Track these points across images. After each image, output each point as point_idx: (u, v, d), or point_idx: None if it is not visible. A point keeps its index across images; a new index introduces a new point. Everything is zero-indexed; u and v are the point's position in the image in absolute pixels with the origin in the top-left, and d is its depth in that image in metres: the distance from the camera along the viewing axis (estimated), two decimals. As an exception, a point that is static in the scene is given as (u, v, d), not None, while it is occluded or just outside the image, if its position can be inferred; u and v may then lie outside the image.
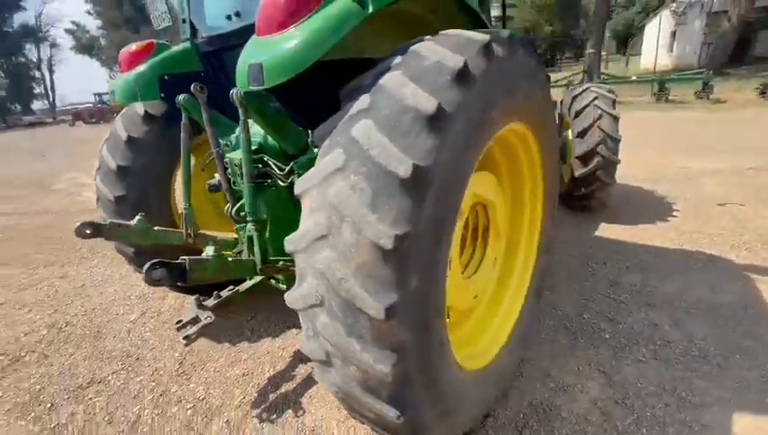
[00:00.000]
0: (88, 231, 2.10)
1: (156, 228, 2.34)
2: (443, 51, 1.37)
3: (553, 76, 20.27)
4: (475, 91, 1.36)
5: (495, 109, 1.51)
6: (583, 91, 4.35)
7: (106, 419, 2.29)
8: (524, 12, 34.36)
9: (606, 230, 4.20)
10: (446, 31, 1.53)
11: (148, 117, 2.71)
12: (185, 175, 2.39)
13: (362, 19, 1.44)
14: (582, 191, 4.24)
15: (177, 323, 2.18)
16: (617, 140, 4.01)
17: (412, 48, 1.42)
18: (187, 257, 1.80)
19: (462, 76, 1.32)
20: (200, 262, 1.87)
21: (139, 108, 2.69)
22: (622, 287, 3.17)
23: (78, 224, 2.05)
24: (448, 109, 1.26)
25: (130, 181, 2.71)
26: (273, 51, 1.42)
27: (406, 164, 1.17)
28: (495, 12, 4.60)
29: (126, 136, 2.69)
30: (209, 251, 2.02)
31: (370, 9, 1.46)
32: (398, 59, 1.41)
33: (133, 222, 2.27)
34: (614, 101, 4.17)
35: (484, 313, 2.36)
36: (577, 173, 4.18)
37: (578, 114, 4.21)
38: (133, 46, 2.69)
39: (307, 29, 1.40)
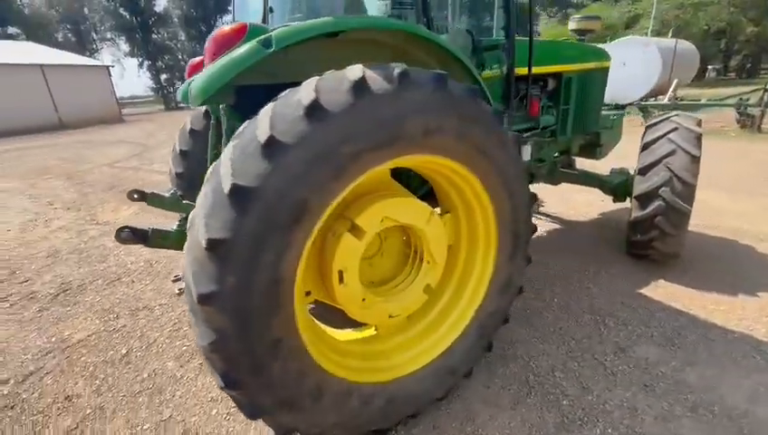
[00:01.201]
0: (135, 196, 2.86)
1: (185, 201, 3.02)
2: (311, 86, 1.55)
3: (722, 91, 16.27)
4: (328, 125, 1.51)
5: (366, 141, 1.59)
6: (662, 120, 3.63)
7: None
8: (720, 9, 27.93)
9: (660, 286, 3.49)
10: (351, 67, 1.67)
11: (207, 113, 3.43)
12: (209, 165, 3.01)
13: (265, 55, 1.71)
14: (638, 238, 3.59)
15: (174, 277, 2.81)
16: (689, 185, 3.27)
17: (301, 84, 1.62)
18: (151, 227, 2.36)
19: (311, 111, 1.48)
20: (162, 232, 2.42)
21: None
22: (627, 358, 2.69)
23: (130, 190, 2.81)
24: (283, 139, 1.44)
25: (188, 163, 3.49)
26: (200, 77, 1.80)
27: (229, 182, 1.41)
28: (574, 25, 4.20)
29: (189, 127, 3.47)
30: (175, 224, 2.57)
31: (273, 48, 1.71)
32: (286, 92, 1.64)
33: (167, 194, 2.97)
34: (699, 138, 3.39)
35: (412, 335, 2.38)
36: (632, 215, 3.56)
37: (645, 147, 3.56)
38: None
39: (219, 62, 1.74)
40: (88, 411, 2.49)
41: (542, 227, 4.97)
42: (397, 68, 1.66)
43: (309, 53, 1.97)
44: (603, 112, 4.68)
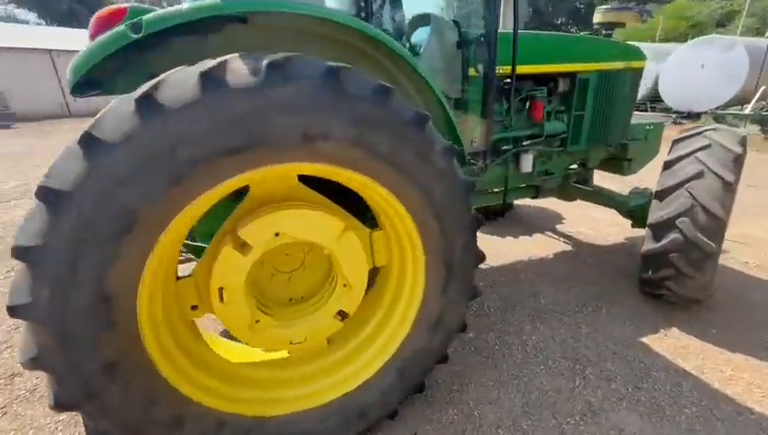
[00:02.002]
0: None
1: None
2: (158, 78, 1.34)
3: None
4: (161, 124, 1.28)
5: (212, 145, 1.34)
6: (693, 134, 2.96)
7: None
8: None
9: (670, 336, 2.86)
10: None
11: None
12: None
13: (132, 40, 1.52)
14: (649, 274, 2.98)
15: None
16: (716, 218, 2.62)
17: None
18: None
19: (143, 107, 1.26)
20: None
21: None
22: (595, 425, 2.19)
23: None
24: (107, 138, 1.24)
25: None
26: (76, 58, 1.65)
27: (42, 185, 1.24)
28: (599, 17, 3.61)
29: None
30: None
31: (142, 33, 1.51)
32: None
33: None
34: (737, 160, 2.71)
35: (327, 364, 2.11)
36: (643, 247, 2.96)
37: (667, 166, 2.92)
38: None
39: (89, 46, 1.58)
40: None
41: (552, 247, 4.39)
42: (267, 58, 1.39)
43: (229, 39, 1.75)
44: (635, 121, 4.00)
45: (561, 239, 4.60)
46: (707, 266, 2.73)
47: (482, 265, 4.03)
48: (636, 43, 14.98)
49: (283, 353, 2.11)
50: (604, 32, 3.60)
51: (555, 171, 3.76)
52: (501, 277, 3.78)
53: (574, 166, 4.05)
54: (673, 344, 2.79)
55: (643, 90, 14.73)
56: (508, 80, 3.30)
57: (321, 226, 1.78)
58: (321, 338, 2.02)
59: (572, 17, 24.61)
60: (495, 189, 3.67)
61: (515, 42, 2.58)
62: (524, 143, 3.40)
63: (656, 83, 14.43)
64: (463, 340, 2.90)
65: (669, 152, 3.04)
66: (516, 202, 5.40)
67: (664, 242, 2.79)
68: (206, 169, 1.37)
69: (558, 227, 4.96)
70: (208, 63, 1.36)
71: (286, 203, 1.78)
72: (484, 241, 4.58)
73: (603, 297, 3.38)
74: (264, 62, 1.37)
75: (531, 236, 4.71)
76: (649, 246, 2.90)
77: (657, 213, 2.85)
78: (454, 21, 2.89)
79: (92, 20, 1.74)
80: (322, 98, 1.45)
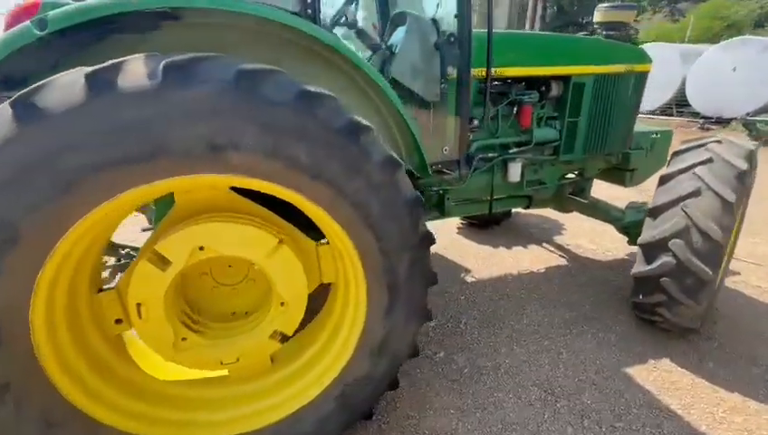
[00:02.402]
0: None
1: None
2: (47, 80, 1.23)
3: None
4: (42, 129, 1.17)
5: (102, 153, 1.22)
6: (695, 145, 2.68)
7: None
8: None
9: (660, 368, 2.60)
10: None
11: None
12: None
13: (37, 37, 1.41)
14: (640, 299, 2.72)
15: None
16: (713, 242, 2.35)
17: None
18: None
19: (21, 110, 1.16)
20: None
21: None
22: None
23: None
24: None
25: None
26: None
27: None
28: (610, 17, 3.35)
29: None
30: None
31: (47, 30, 1.40)
32: None
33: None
34: (740, 177, 2.42)
35: (266, 386, 1.97)
36: (634, 268, 2.70)
37: (663, 181, 2.66)
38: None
39: None
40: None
41: (546, 261, 4.14)
42: (167, 59, 1.26)
43: (173, 38, 1.63)
44: (640, 129, 3.71)
45: (558, 252, 4.34)
46: (703, 294, 2.46)
47: (467, 277, 3.86)
48: (664, 44, 14.29)
49: (222, 371, 1.99)
50: (604, 32, 3.33)
51: (548, 181, 3.52)
52: (485, 291, 3.57)
53: (572, 175, 3.80)
54: (661, 378, 2.54)
55: (669, 93, 14.03)
56: (496, 83, 3.10)
57: (249, 240, 1.65)
58: (255, 360, 1.88)
59: (599, 16, 23.74)
60: (482, 199, 3.47)
61: (489, 42, 2.38)
62: (511, 151, 3.18)
63: (683, 86, 13.71)
64: (432, 360, 2.72)
65: (668, 165, 2.77)
66: (514, 210, 5.15)
67: (655, 265, 2.53)
68: (99, 179, 1.25)
69: (556, 238, 4.68)
70: (101, 64, 1.24)
71: (210, 215, 1.66)
72: (476, 251, 4.37)
73: (591, 320, 3.13)
74: (162, 64, 1.24)
75: (525, 247, 4.46)
76: (640, 267, 2.64)
77: (648, 232, 2.60)
78: (432, 19, 2.70)
79: (7, 14, 1.65)
80: (231, 104, 1.31)
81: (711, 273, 2.38)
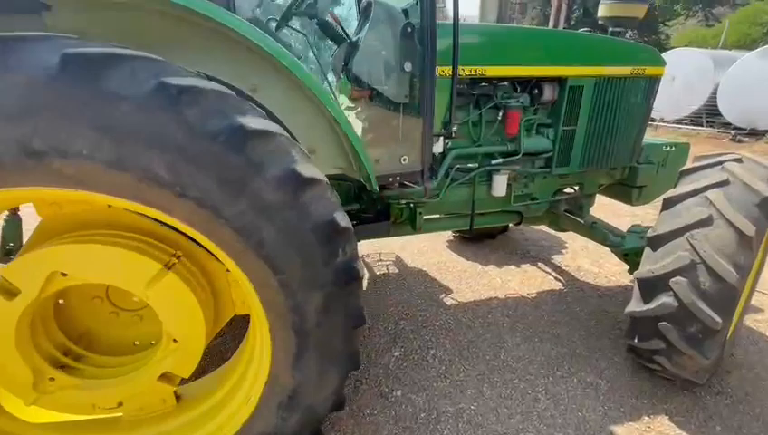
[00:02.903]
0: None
1: None
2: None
3: None
4: None
5: None
6: (710, 163, 2.24)
7: None
8: None
9: (654, 426, 2.17)
10: None
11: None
12: None
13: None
14: (635, 342, 2.30)
15: None
16: (724, 282, 1.91)
17: None
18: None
19: None
20: None
21: None
22: None
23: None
24: None
25: None
26: None
27: None
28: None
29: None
30: None
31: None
32: None
33: None
34: (763, 203, 1.97)
35: (160, 431, 1.67)
36: (629, 305, 2.28)
37: (668, 204, 2.22)
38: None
39: None
40: None
41: (539, 284, 3.71)
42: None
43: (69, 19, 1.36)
44: (650, 141, 3.26)
45: (553, 274, 3.90)
46: (710, 345, 2.02)
47: (447, 299, 3.48)
48: (695, 49, 13.50)
49: (115, 412, 1.70)
50: (610, 29, 2.90)
51: (539, 196, 3.11)
52: (464, 317, 3.19)
53: (570, 190, 3.38)
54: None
55: (699, 101, 13.17)
56: (485, 84, 2.73)
57: (123, 265, 1.34)
58: (141, 405, 1.58)
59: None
60: (462, 213, 3.09)
61: (456, 35, 2.01)
62: (496, 161, 2.79)
63: (715, 94, 12.84)
64: (387, 399, 2.37)
65: (675, 185, 2.33)
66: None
67: (653, 305, 2.11)
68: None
69: (554, 258, 4.24)
70: None
71: (80, 234, 1.36)
72: (463, 268, 3.98)
73: (580, 360, 2.71)
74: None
75: (518, 266, 4.04)
76: (636, 306, 2.22)
77: (647, 265, 2.17)
78: (403, 10, 2.35)
79: None
80: (55, 98, 1.01)
81: (720, 321, 1.94)
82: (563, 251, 4.38)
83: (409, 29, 1.92)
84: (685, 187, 2.19)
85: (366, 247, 4.33)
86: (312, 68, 2.90)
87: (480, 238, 4.51)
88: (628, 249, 2.80)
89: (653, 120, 14.00)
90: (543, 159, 2.91)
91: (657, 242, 2.17)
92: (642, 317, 2.18)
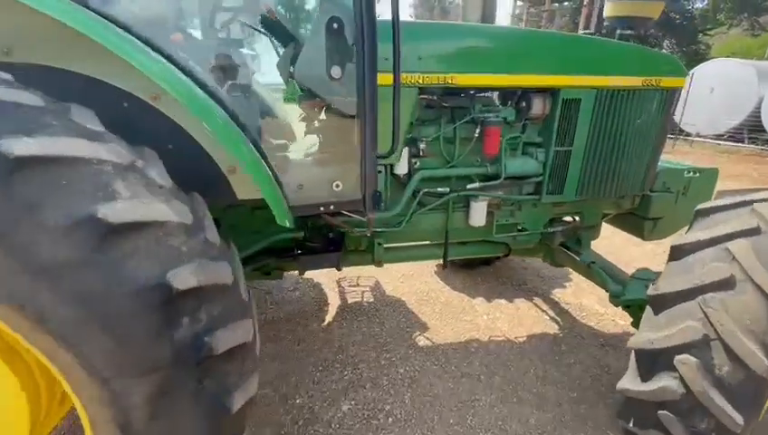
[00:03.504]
0: None
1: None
2: None
3: None
4: None
5: None
6: (736, 203, 1.72)
7: None
8: None
9: None
10: None
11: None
12: None
13: None
14: (630, 427, 1.79)
15: None
16: (750, 375, 1.40)
17: None
18: None
19: None
20: None
21: None
22: None
23: None
24: None
25: None
26: None
27: None
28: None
29: None
30: None
31: None
32: None
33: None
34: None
35: None
36: (621, 381, 1.78)
37: (678, 253, 1.72)
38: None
39: None
40: None
41: (531, 325, 3.21)
42: None
43: None
44: (668, 165, 2.74)
45: (550, 314, 3.38)
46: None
47: (420, 339, 3.03)
48: (737, 59, 12.52)
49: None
50: (618, 31, 2.41)
51: (528, 227, 2.64)
52: (435, 363, 2.74)
53: (569, 219, 2.88)
54: None
55: (741, 115, 12.13)
56: (459, 95, 2.31)
57: None
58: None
59: (664, 29, 21.52)
60: (434, 243, 2.66)
61: (396, 34, 1.59)
62: (471, 186, 2.36)
63: (758, 109, 11.78)
64: (319, 470, 1.97)
65: (688, 228, 1.83)
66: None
67: (652, 387, 1.61)
68: None
69: (554, 293, 3.71)
70: None
71: None
72: (446, 300, 3.52)
73: (564, 431, 2.21)
74: None
75: (511, 301, 3.54)
76: (631, 382, 1.72)
77: (646, 332, 1.68)
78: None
79: None
80: None
81: (742, 423, 1.43)
82: (566, 284, 3.84)
83: (336, 25, 1.53)
84: (700, 232, 1.68)
85: (344, 269, 3.95)
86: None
87: (472, 264, 4.03)
88: (630, 301, 2.29)
89: (688, 134, 13.03)
90: (532, 184, 2.45)
91: (660, 303, 1.67)
92: (638, 399, 1.68)
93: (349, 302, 3.51)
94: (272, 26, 2.19)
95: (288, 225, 1.51)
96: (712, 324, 1.47)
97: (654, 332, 1.64)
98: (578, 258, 2.67)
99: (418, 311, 3.38)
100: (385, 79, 1.93)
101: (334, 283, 3.78)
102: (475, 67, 2.10)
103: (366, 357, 2.79)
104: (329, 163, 1.80)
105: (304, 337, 2.98)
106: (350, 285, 3.76)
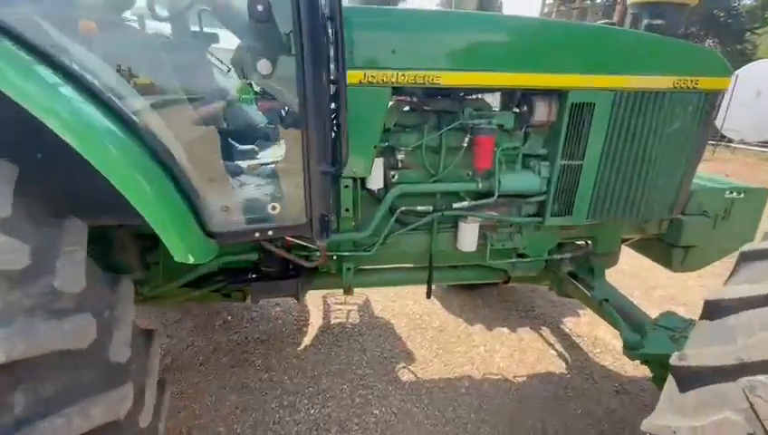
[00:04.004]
0: None
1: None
2: None
3: None
4: None
5: None
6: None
7: None
8: None
9: None
10: None
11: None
12: None
13: None
14: None
15: None
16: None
17: None
18: None
19: None
20: None
21: None
22: None
23: None
24: None
25: None
26: None
27: None
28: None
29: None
30: None
31: None
32: None
33: None
34: None
35: None
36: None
37: (713, 311, 1.29)
38: None
39: None
40: None
41: (534, 362, 2.79)
42: None
43: None
44: (704, 183, 2.28)
45: (558, 348, 2.95)
46: None
47: (404, 373, 2.64)
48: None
49: None
50: (645, 22, 1.98)
51: (530, 253, 2.24)
52: (417, 405, 2.38)
53: (581, 242, 2.46)
54: None
55: (792, 122, 11.06)
56: (445, 97, 1.95)
57: None
58: None
59: (707, 27, 20.13)
60: (416, 267, 2.30)
61: (338, 21, 1.25)
62: (459, 204, 1.99)
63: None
64: None
65: (730, 276, 1.40)
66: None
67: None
68: None
69: (566, 321, 3.27)
70: None
71: None
72: (441, 325, 3.15)
73: None
74: None
75: (514, 331, 3.13)
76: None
77: (666, 416, 1.27)
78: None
79: None
80: None
81: None
82: (580, 312, 3.38)
83: (260, 6, 1.20)
84: (746, 286, 1.25)
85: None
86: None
87: (473, 284, 3.63)
88: (649, 356, 1.85)
89: (730, 140, 12.04)
90: (534, 203, 2.06)
91: (687, 378, 1.26)
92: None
93: (332, 322, 3.19)
94: (221, 18, 1.89)
95: (192, 260, 1.20)
96: (761, 421, 1.06)
97: (678, 417, 1.23)
98: (589, 293, 2.24)
99: (407, 337, 3.02)
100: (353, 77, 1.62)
101: (320, 299, 3.47)
102: (464, 63, 1.73)
103: (339, 392, 2.46)
104: (266, 180, 1.48)
105: (274, 364, 2.68)
106: (336, 303, 3.43)
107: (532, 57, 1.76)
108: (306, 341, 2.96)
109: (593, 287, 2.26)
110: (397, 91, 1.77)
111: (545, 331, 3.14)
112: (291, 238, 1.57)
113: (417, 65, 1.69)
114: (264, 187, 1.48)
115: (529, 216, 2.10)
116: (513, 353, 2.86)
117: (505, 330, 3.13)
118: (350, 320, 3.24)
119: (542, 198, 2.01)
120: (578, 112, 1.85)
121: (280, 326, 3.12)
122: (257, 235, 1.42)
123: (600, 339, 3.04)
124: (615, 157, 1.94)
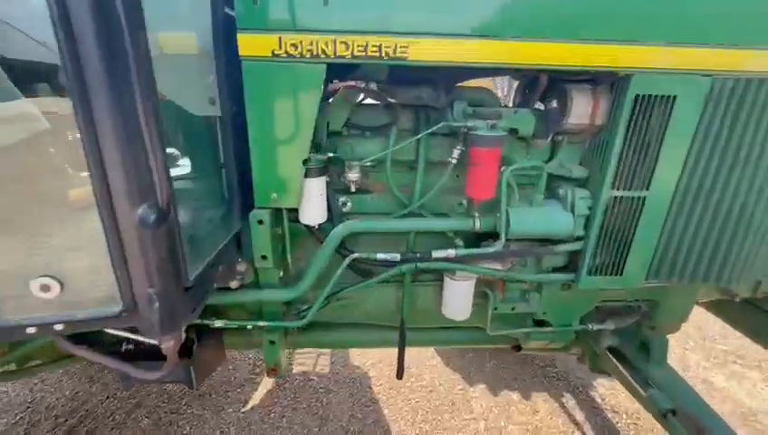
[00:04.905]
0: None
1: None
2: None
3: None
4: None
5: None
6: None
7: None
8: None
9: None
10: None
11: None
12: None
13: None
14: None
15: None
16: None
17: None
18: None
19: None
20: None
21: None
22: None
23: None
24: None
25: None
26: None
27: None
28: None
29: None
30: None
31: None
32: None
33: None
34: None
35: None
36: None
37: None
38: None
39: None
40: None
41: (540, 431, 2.05)
42: None
43: None
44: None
45: (585, 427, 2.19)
46: None
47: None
48: None
49: None
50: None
51: (553, 320, 1.50)
52: None
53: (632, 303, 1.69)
54: None
55: None
56: (424, 84, 1.25)
57: None
58: None
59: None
60: (388, 325, 1.60)
61: None
62: (438, 254, 1.28)
63: None
64: None
65: None
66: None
67: None
68: None
69: (596, 386, 2.50)
70: None
71: None
72: (434, 387, 2.43)
73: None
74: None
75: (528, 397, 2.38)
76: None
77: None
78: None
79: None
80: None
81: None
82: (601, 377, 2.60)
83: None
84: None
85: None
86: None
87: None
88: None
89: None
90: (563, 253, 1.32)
91: None
92: None
93: (294, 372, 2.53)
94: None
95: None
96: None
97: None
98: (642, 390, 1.48)
99: (385, 401, 2.33)
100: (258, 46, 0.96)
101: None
102: (453, 25, 1.01)
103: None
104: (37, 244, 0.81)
105: (207, 431, 2.04)
106: (306, 355, 2.75)
107: (574, 17, 1.02)
108: (256, 398, 2.31)
109: (649, 379, 1.49)
110: (338, 70, 1.08)
111: (568, 399, 2.38)
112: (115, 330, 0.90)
113: (369, 25, 0.99)
114: (35, 257, 0.80)
115: (554, 271, 1.36)
116: (521, 423, 2.13)
117: (515, 396, 2.38)
118: (317, 368, 2.57)
119: (575, 245, 1.27)
120: (645, 111, 1.10)
121: (228, 375, 2.48)
122: (31, 330, 0.76)
123: (621, 407, 2.27)
124: (703, 184, 1.18)
